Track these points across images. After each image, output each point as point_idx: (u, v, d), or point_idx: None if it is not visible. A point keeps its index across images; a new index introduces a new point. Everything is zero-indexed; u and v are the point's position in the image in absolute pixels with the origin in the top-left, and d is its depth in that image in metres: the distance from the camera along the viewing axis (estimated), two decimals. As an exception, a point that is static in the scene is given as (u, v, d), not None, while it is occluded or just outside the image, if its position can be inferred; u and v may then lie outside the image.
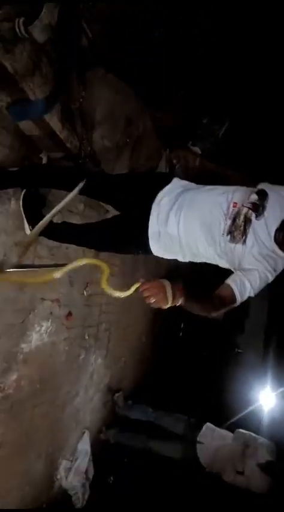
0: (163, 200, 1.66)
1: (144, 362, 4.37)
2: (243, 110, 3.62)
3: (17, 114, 1.77)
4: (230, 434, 3.29)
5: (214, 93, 3.30)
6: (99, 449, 3.19)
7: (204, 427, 3.33)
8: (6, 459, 2.20)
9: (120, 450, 3.38)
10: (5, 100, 1.73)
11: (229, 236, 1.53)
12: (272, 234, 1.51)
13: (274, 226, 1.51)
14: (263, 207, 1.51)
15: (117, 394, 3.61)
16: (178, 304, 1.34)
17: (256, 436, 3.21)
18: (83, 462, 2.73)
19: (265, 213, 1.51)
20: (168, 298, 1.28)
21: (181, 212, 1.60)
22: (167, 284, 1.31)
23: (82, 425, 3.01)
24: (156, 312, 4.65)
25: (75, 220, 2.58)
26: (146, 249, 1.72)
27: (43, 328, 2.42)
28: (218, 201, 1.57)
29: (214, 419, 3.50)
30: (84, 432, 2.92)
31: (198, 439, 3.26)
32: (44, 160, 2.21)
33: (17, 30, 1.39)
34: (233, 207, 1.54)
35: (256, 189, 1.56)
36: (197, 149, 3.79)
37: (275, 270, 1.55)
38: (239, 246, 1.52)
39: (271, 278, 1.55)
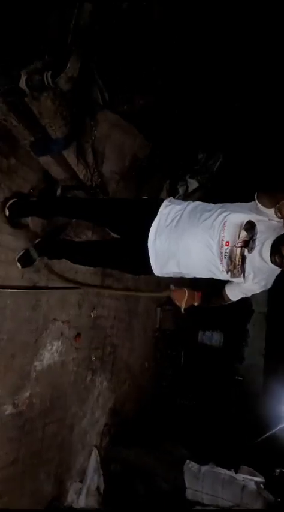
0: (156, 241, 1.76)
1: (146, 388, 4.42)
2: (235, 147, 3.96)
3: (40, 150, 2.01)
4: None
5: (209, 133, 3.65)
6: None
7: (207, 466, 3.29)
8: (19, 477, 2.26)
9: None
10: (29, 139, 1.98)
11: (229, 274, 1.67)
12: (267, 258, 1.62)
13: (266, 252, 1.61)
14: (254, 241, 1.59)
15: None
16: (196, 304, 1.91)
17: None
18: (93, 481, 2.77)
19: (256, 243, 1.60)
20: (185, 302, 1.87)
21: (177, 256, 1.74)
22: (187, 292, 1.88)
23: (89, 447, 3.06)
24: (157, 338, 4.77)
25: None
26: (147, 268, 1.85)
27: (54, 348, 2.55)
28: (210, 243, 1.64)
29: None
30: (91, 450, 2.97)
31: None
32: (58, 192, 2.44)
33: (45, 81, 1.65)
34: (226, 245, 1.61)
35: (243, 225, 1.60)
36: (194, 182, 4.09)
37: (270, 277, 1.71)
38: (239, 279, 1.68)
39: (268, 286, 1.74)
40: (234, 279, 1.70)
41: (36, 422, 2.41)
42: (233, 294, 1.85)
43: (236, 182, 4.05)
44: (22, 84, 1.64)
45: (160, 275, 1.87)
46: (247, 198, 1.72)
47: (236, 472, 3.33)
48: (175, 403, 5.07)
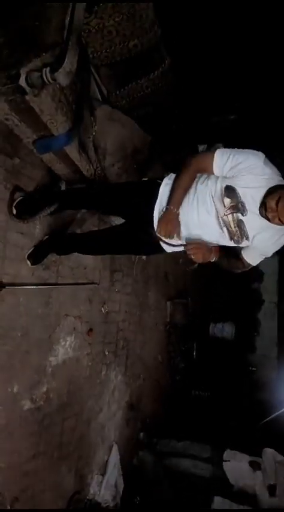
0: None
1: (160, 381, 4.44)
2: (235, 138, 3.97)
3: (42, 147, 2.03)
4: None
5: (208, 125, 3.67)
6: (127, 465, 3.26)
7: (226, 452, 3.48)
8: (41, 470, 2.30)
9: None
10: (32, 137, 2.01)
11: (232, 241, 1.72)
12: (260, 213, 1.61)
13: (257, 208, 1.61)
14: (242, 203, 1.59)
15: (141, 434, 3.72)
16: (213, 260, 1.77)
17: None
18: (112, 476, 2.80)
19: (246, 205, 1.60)
20: (203, 256, 1.71)
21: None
22: (204, 246, 1.74)
23: (108, 441, 3.09)
24: (169, 331, 4.79)
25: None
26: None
27: (68, 343, 2.58)
28: (208, 218, 1.69)
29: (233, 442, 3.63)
30: (112, 446, 3.00)
31: (224, 458, 3.37)
32: (63, 187, 2.47)
33: (44, 77, 1.67)
34: (220, 216, 1.65)
35: (223, 192, 1.61)
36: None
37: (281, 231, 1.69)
38: (245, 242, 1.72)
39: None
40: (241, 245, 1.71)
41: (55, 417, 2.45)
42: (251, 258, 1.84)
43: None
44: (22, 82, 1.66)
45: (170, 251, 1.91)
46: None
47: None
48: (190, 395, 5.10)
